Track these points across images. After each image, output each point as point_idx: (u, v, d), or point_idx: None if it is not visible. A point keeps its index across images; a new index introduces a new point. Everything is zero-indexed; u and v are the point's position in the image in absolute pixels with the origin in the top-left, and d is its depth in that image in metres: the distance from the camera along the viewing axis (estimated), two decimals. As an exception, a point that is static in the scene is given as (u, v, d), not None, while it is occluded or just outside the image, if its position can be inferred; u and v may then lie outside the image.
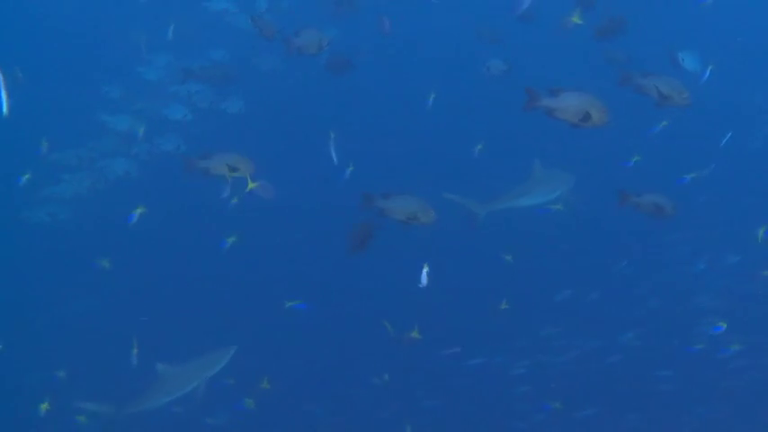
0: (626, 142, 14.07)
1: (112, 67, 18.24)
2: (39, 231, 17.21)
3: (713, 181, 16.06)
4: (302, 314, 12.63)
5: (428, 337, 14.00)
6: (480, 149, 14.49)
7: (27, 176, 14.94)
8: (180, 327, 15.87)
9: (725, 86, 15.92)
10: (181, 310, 16.92)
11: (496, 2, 17.76)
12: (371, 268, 16.57)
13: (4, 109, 7.64)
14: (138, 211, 12.20)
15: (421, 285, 8.26)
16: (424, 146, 19.69)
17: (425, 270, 8.26)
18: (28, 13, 23.10)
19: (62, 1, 22.95)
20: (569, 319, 16.91)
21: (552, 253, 18.90)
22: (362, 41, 17.63)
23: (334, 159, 12.04)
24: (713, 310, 16.29)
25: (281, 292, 13.29)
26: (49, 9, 22.90)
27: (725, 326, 13.83)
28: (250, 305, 17.04)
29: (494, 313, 13.79)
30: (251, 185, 10.36)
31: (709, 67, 12.07)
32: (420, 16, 21.09)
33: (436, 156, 19.02)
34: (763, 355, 16.48)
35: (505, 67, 14.16)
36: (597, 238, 19.28)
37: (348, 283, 16.51)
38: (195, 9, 17.67)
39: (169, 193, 16.05)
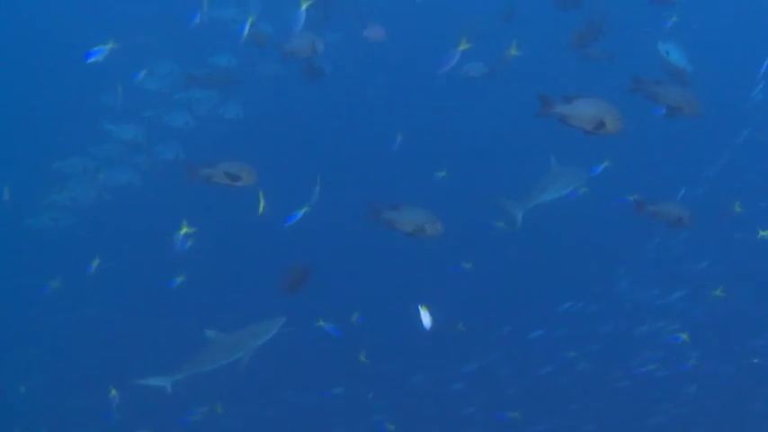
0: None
1: (114, 75, 17.78)
2: (42, 237, 16.82)
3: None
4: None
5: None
6: (443, 176, 13.92)
7: None
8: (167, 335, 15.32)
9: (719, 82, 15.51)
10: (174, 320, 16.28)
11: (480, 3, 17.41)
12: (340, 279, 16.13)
13: None
14: (95, 262, 12.43)
15: (425, 326, 7.79)
16: (423, 152, 19.19)
17: (423, 312, 7.79)
18: (28, 22, 22.63)
19: (65, 10, 22.49)
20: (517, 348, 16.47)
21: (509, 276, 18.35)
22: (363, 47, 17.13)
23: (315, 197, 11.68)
24: (667, 330, 15.77)
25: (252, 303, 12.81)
26: (50, 17, 22.43)
27: (685, 337, 13.39)
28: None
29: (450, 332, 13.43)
30: (262, 206, 10.20)
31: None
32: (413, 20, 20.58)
33: (435, 162, 18.57)
34: (716, 366, 16.13)
35: (486, 70, 13.70)
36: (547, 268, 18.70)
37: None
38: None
39: (172, 201, 15.50)
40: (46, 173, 16.41)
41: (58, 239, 16.88)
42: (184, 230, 10.77)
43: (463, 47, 10.15)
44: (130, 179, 16.04)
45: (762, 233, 10.90)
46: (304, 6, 10.30)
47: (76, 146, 16.68)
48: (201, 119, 16.61)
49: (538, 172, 13.95)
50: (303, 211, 10.86)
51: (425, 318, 7.71)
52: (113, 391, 12.01)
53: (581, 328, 16.27)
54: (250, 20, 11.30)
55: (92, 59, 10.62)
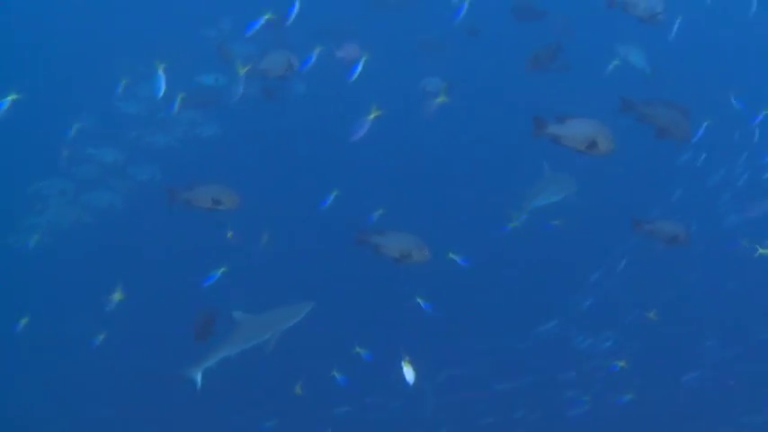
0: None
1: (94, 98, 17.25)
2: (22, 257, 16.22)
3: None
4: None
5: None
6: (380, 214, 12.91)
7: None
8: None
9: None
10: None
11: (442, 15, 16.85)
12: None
13: None
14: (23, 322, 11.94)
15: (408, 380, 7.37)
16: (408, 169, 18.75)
17: (406, 367, 7.37)
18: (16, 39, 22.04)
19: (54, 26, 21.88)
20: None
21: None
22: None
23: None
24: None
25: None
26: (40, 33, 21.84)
27: (622, 364, 12.97)
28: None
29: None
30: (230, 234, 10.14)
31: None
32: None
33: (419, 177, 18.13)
34: (653, 393, 15.30)
35: (444, 85, 13.09)
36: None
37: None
38: (191, 37, 16.58)
39: (150, 223, 14.95)
40: (25, 194, 16.03)
41: (38, 259, 16.31)
42: (118, 296, 10.52)
43: (374, 115, 9.86)
44: (111, 201, 15.56)
45: (761, 251, 10.48)
46: (242, 72, 10.15)
47: (55, 167, 16.19)
48: (179, 139, 16.11)
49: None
50: (220, 272, 10.47)
51: (409, 373, 7.27)
52: None
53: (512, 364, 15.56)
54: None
55: None
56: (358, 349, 11.06)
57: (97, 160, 15.71)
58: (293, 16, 10.11)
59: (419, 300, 10.96)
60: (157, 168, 15.33)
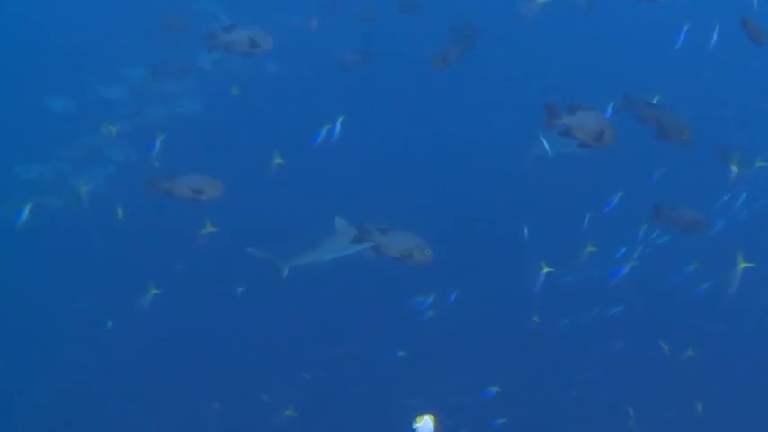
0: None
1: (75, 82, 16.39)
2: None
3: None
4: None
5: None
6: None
7: None
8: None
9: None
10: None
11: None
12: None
13: None
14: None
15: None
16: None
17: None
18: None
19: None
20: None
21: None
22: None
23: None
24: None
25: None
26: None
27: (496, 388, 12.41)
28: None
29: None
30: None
31: None
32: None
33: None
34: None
35: (360, 58, 12.68)
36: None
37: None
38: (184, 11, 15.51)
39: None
40: (6, 176, 15.19)
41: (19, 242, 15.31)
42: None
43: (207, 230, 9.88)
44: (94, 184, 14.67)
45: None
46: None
47: (39, 151, 15.41)
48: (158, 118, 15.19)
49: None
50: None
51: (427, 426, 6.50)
52: None
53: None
54: None
55: None
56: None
57: (83, 144, 14.83)
58: None
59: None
60: (131, 149, 14.38)
